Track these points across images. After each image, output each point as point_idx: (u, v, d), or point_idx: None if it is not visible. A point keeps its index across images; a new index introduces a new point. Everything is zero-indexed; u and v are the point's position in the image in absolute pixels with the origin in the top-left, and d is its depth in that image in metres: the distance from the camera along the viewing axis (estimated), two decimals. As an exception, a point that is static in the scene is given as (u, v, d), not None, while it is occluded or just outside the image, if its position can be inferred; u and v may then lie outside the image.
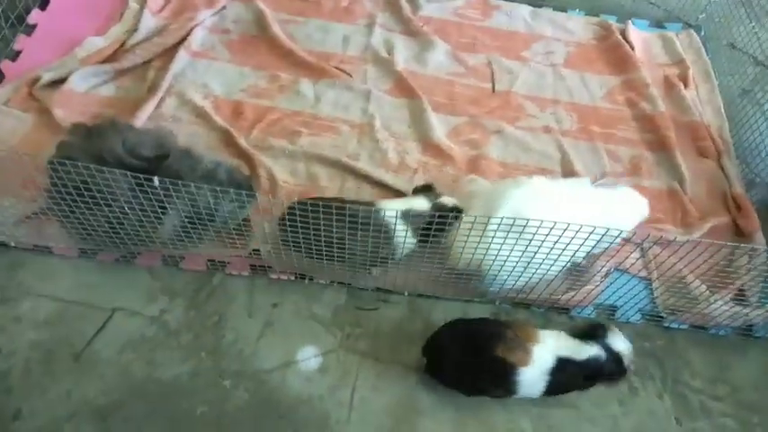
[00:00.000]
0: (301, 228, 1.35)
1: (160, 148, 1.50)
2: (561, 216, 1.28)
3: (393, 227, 1.46)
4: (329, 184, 1.76)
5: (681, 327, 1.61)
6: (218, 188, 1.35)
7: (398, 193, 1.74)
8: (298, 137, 1.85)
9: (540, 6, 2.25)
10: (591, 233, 1.26)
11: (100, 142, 1.45)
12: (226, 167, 1.53)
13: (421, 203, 1.53)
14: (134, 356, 1.45)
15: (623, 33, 2.14)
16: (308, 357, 1.48)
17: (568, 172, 1.83)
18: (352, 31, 2.13)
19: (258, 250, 1.56)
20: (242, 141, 1.80)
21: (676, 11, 2.27)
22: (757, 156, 1.92)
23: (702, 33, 2.22)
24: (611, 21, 2.21)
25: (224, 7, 2.17)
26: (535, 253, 1.33)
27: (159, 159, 1.47)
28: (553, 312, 1.62)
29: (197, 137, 1.83)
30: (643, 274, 1.63)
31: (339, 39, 2.11)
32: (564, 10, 2.26)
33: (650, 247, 1.66)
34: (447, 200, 1.54)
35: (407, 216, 1.48)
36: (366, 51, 2.08)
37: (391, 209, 1.46)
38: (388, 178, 1.76)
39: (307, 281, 1.60)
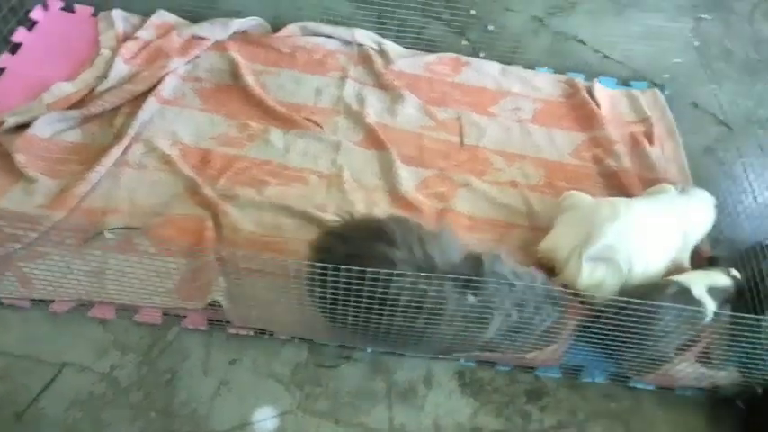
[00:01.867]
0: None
1: (466, 255, 1.49)
2: (653, 244, 1.61)
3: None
4: (295, 236, 1.74)
5: (647, 387, 1.59)
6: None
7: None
8: (265, 186, 1.84)
9: (509, 64, 2.30)
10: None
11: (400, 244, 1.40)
12: (541, 278, 1.51)
13: (721, 278, 1.57)
14: (81, 415, 1.38)
15: (590, 91, 2.19)
16: (265, 418, 1.43)
17: (534, 227, 1.84)
18: (325, 83, 2.15)
19: (216, 302, 1.52)
20: (207, 190, 1.78)
21: (642, 70, 2.34)
22: (720, 213, 1.94)
23: (667, 92, 2.28)
24: (579, 79, 2.27)
25: (198, 56, 2.18)
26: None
27: (473, 265, 1.44)
28: (518, 371, 1.59)
29: (162, 185, 1.81)
30: (609, 332, 1.62)
31: (311, 90, 2.12)
32: (532, 68, 2.31)
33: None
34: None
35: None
36: (338, 103, 2.10)
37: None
38: (355, 230, 1.75)
39: (267, 336, 1.55)
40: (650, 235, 1.65)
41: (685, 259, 1.74)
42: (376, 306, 1.32)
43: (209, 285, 1.57)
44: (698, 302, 1.48)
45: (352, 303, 1.31)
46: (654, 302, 1.34)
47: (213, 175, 1.85)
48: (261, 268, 1.61)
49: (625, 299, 1.33)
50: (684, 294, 1.49)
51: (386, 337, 1.44)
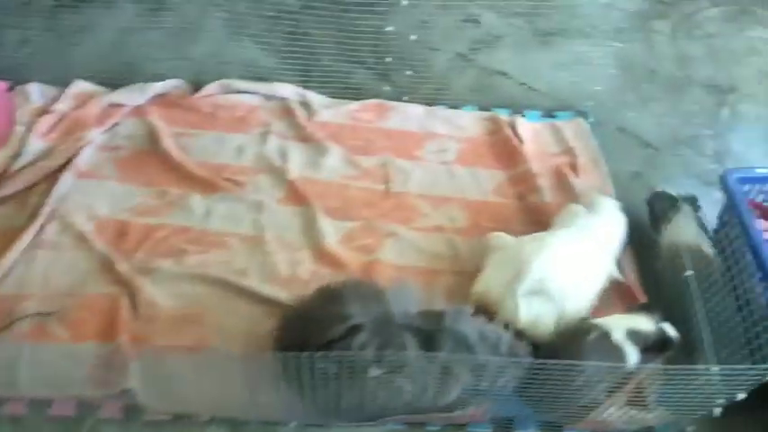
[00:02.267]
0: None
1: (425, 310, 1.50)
2: (582, 270, 1.65)
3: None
4: (215, 305, 1.69)
5: (581, 433, 1.55)
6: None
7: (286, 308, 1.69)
8: (184, 256, 1.80)
9: (434, 104, 2.30)
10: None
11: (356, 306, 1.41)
12: (506, 339, 1.47)
13: (645, 323, 1.52)
14: None
15: (513, 126, 2.19)
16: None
17: (460, 271, 1.81)
18: (247, 140, 2.13)
19: (129, 390, 1.47)
20: (122, 266, 1.74)
21: (566, 99, 2.35)
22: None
23: (591, 120, 2.29)
24: (503, 114, 2.27)
25: (116, 124, 2.15)
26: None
27: (434, 321, 1.44)
28: (450, 428, 1.54)
29: (77, 263, 1.76)
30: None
31: (233, 149, 2.10)
32: (457, 106, 2.31)
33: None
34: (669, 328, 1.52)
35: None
36: (260, 161, 2.07)
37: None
38: (277, 293, 1.71)
39: (186, 419, 1.50)
40: (577, 262, 1.67)
41: (614, 271, 1.76)
42: (342, 376, 1.30)
43: (123, 370, 1.52)
44: (617, 348, 1.45)
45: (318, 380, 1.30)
46: (570, 362, 1.30)
47: (130, 248, 1.81)
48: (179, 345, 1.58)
49: (541, 361, 1.30)
50: (604, 339, 1.47)
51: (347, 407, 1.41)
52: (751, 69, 2.61)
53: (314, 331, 1.34)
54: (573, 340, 1.47)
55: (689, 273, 1.60)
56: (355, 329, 1.36)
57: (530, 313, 1.60)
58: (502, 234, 1.79)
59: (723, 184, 1.69)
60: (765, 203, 1.80)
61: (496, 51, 2.54)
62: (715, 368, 1.31)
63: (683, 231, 1.74)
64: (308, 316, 1.46)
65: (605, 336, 1.47)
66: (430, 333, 1.40)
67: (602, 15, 2.36)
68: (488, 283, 1.69)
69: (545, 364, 1.28)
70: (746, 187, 1.75)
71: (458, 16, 2.65)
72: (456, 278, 1.80)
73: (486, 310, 1.65)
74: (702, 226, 1.77)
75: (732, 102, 2.47)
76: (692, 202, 1.84)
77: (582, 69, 2.39)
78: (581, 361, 1.33)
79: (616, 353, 1.45)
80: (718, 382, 1.30)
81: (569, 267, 1.64)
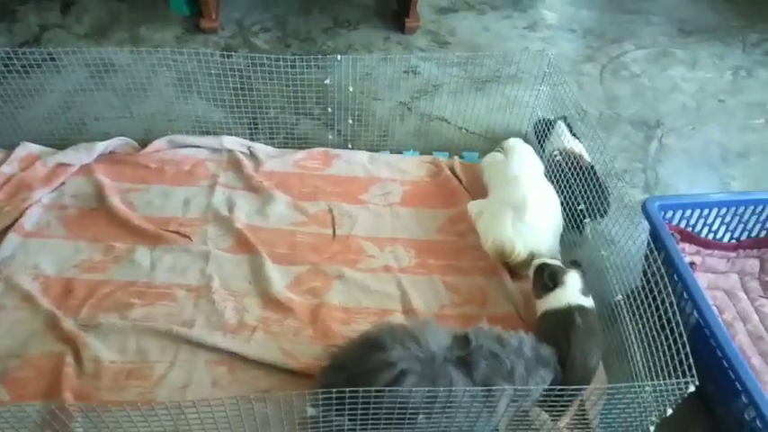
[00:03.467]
0: None
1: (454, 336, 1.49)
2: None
3: None
4: (160, 358, 1.69)
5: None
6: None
7: (234, 356, 1.70)
8: (130, 309, 1.80)
9: (377, 150, 2.39)
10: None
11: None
12: (527, 340, 1.51)
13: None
14: None
15: (452, 168, 2.29)
16: None
17: (408, 309, 1.85)
18: (194, 193, 2.17)
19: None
20: (67, 323, 1.73)
21: (501, 140, 2.45)
22: (589, 268, 2.01)
23: (529, 158, 2.40)
24: (443, 157, 2.37)
25: (63, 183, 2.17)
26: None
27: (462, 345, 1.45)
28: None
29: (21, 324, 1.75)
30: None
31: (180, 202, 2.13)
32: (400, 151, 2.41)
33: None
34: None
35: None
36: (207, 212, 2.11)
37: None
38: (224, 342, 1.72)
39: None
40: (548, 199, 2.06)
41: None
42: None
43: (65, 429, 1.49)
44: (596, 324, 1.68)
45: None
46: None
47: (75, 305, 1.80)
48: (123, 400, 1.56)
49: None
50: (587, 316, 1.67)
51: None
52: (675, 104, 2.80)
53: (362, 381, 1.28)
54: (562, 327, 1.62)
55: (618, 297, 1.68)
56: (403, 374, 1.35)
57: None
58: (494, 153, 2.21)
59: (645, 211, 1.79)
60: (687, 228, 1.91)
61: (436, 99, 2.67)
62: (647, 384, 1.36)
63: (558, 140, 2.19)
64: (352, 366, 1.42)
65: (586, 312, 1.65)
66: (464, 359, 1.42)
67: (532, 62, 2.51)
68: (496, 233, 1.95)
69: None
70: (669, 213, 1.85)
71: (399, 68, 2.79)
72: (406, 317, 1.84)
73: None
74: (575, 135, 2.22)
75: (659, 136, 2.63)
76: (565, 119, 2.26)
77: (515, 112, 2.52)
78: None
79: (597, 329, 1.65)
80: (650, 397, 1.35)
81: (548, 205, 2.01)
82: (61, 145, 2.28)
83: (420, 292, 1.91)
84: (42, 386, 1.62)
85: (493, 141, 2.46)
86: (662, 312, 1.47)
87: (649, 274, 1.63)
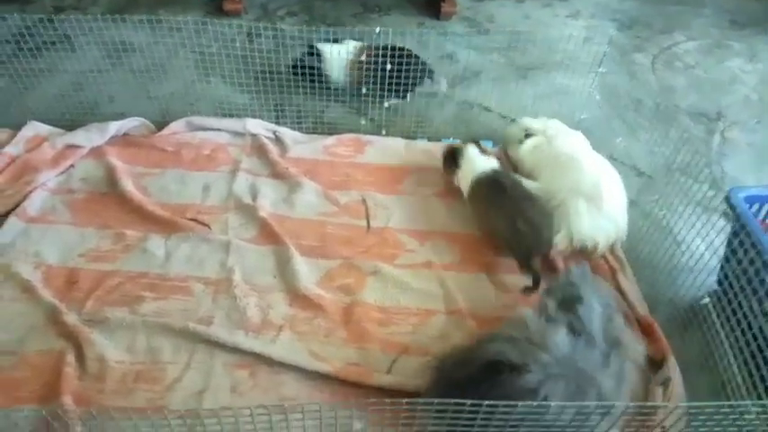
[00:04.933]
0: None
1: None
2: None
3: None
4: (174, 359, 1.48)
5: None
6: None
7: (257, 358, 1.48)
8: (140, 303, 1.60)
9: (413, 139, 2.18)
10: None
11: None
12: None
13: None
14: None
15: (499, 157, 2.06)
16: None
17: (453, 311, 1.63)
18: (214, 178, 1.97)
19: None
20: (69, 317, 1.53)
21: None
22: (654, 269, 1.79)
23: (579, 149, 2.18)
24: (488, 146, 2.15)
25: (72, 166, 1.98)
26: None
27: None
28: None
29: (18, 317, 1.55)
30: (548, 425, 1.38)
31: (198, 188, 1.93)
32: (438, 140, 2.20)
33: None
34: None
35: None
36: (228, 199, 1.91)
37: None
38: (245, 342, 1.50)
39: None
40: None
41: None
42: None
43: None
44: None
45: None
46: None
47: (79, 297, 1.60)
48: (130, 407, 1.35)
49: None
50: None
51: None
52: (736, 97, 2.57)
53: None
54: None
55: (705, 300, 1.45)
56: (546, 399, 1.15)
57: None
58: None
59: (729, 203, 1.57)
60: (775, 224, 1.67)
61: (476, 86, 2.47)
62: (750, 404, 1.13)
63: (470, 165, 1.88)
64: (478, 393, 1.13)
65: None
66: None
67: (580, 50, 2.30)
68: (573, 229, 1.72)
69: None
70: (755, 207, 1.62)
71: (435, 53, 2.59)
72: (447, 319, 1.62)
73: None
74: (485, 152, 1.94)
75: (721, 129, 2.39)
76: (475, 141, 1.98)
77: (564, 99, 2.31)
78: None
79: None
80: (757, 419, 1.12)
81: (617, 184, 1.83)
82: (71, 126, 2.10)
83: (466, 291, 1.68)
84: (38, 388, 1.41)
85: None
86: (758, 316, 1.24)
87: (737, 273, 1.41)
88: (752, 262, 1.42)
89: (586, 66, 2.23)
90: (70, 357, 1.45)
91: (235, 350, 1.50)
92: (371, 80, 2.13)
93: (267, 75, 2.11)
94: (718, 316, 1.41)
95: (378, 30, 2.02)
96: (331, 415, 0.98)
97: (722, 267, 1.61)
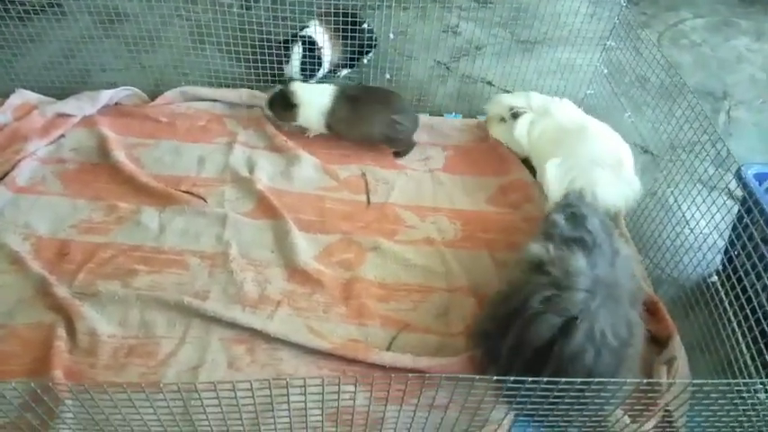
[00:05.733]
0: None
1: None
2: None
3: None
4: (168, 333, 1.44)
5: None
6: None
7: (255, 333, 1.45)
8: (133, 277, 1.55)
9: (415, 112, 2.12)
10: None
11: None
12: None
13: None
14: None
15: (503, 132, 2.02)
16: None
17: (454, 288, 1.60)
18: (210, 150, 1.91)
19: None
20: (60, 290, 1.48)
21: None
22: (659, 249, 1.75)
23: (585, 126, 2.14)
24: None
25: (62, 135, 1.92)
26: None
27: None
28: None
29: (7, 290, 1.50)
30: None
31: (193, 160, 1.88)
32: (440, 114, 2.14)
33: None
34: None
35: None
36: (224, 171, 1.85)
37: None
38: (242, 317, 1.46)
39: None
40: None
41: None
42: None
43: (53, 412, 1.24)
44: None
45: None
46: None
47: (71, 270, 1.55)
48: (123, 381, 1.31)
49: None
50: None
51: None
52: (742, 76, 2.52)
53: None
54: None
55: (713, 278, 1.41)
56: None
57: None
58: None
59: (739, 179, 1.53)
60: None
61: (479, 60, 2.40)
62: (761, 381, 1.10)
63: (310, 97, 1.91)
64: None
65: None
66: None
67: (585, 25, 2.24)
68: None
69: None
70: (765, 185, 1.58)
71: (438, 26, 2.52)
72: (448, 297, 1.58)
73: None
74: None
75: (727, 108, 2.35)
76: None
77: (569, 75, 2.26)
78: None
79: None
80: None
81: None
82: (62, 95, 2.03)
83: (467, 268, 1.65)
84: (28, 361, 1.37)
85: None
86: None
87: (748, 251, 1.37)
88: (765, 239, 1.39)
89: (593, 41, 2.17)
90: (60, 331, 1.41)
91: (232, 325, 1.46)
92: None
93: (264, 45, 2.04)
94: (726, 294, 1.38)
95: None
96: (333, 390, 0.95)
97: (730, 246, 1.58)
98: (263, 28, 2.06)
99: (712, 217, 1.58)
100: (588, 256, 1.28)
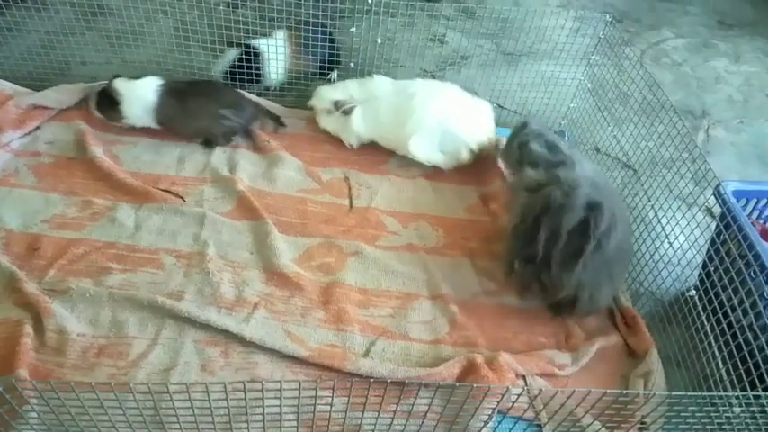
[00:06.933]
0: None
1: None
2: None
3: None
4: (140, 334, 1.40)
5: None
6: None
7: (230, 336, 1.41)
8: (106, 275, 1.51)
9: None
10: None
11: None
12: None
13: None
14: None
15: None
16: None
17: (436, 295, 1.58)
18: (190, 150, 1.88)
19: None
20: (29, 285, 1.43)
21: (537, 117, 2.20)
22: (638, 262, 1.77)
23: (567, 138, 2.16)
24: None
25: (38, 128, 1.87)
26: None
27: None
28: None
29: (-26, 283, 1.45)
30: (529, 415, 1.34)
31: (173, 159, 1.85)
32: (425, 121, 2.13)
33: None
34: None
35: None
36: (204, 170, 1.82)
37: None
38: (218, 319, 1.43)
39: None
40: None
41: None
42: None
43: (16, 413, 1.19)
44: None
45: None
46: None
47: (41, 265, 1.51)
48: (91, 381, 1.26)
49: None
50: None
51: None
52: (720, 96, 2.57)
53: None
54: None
55: (692, 292, 1.42)
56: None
57: None
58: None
59: (718, 197, 1.55)
60: (763, 223, 1.66)
61: (464, 71, 2.42)
62: (734, 395, 1.11)
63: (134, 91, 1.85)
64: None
65: None
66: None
67: (569, 40, 2.27)
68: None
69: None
70: (743, 202, 1.61)
71: (425, 35, 2.53)
72: (433, 303, 1.57)
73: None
74: None
75: (705, 127, 2.40)
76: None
77: (552, 88, 2.28)
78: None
79: None
80: (742, 413, 1.10)
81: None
82: (39, 87, 1.98)
83: (449, 276, 1.64)
84: (-10, 359, 1.32)
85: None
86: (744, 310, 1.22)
87: (726, 266, 1.39)
88: (742, 255, 1.40)
89: (577, 56, 2.20)
90: (28, 328, 1.37)
91: (206, 327, 1.43)
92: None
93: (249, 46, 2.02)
94: (704, 309, 1.39)
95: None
96: (310, 394, 0.92)
97: (708, 261, 1.59)
98: (249, 27, 2.04)
99: (692, 232, 1.59)
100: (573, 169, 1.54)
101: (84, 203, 1.67)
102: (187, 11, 2.20)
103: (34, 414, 1.18)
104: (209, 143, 1.90)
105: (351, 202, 1.81)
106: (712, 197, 1.62)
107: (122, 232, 1.61)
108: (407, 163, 1.95)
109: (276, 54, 2.00)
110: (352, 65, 2.10)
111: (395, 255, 1.68)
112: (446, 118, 1.84)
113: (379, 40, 1.99)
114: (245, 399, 0.90)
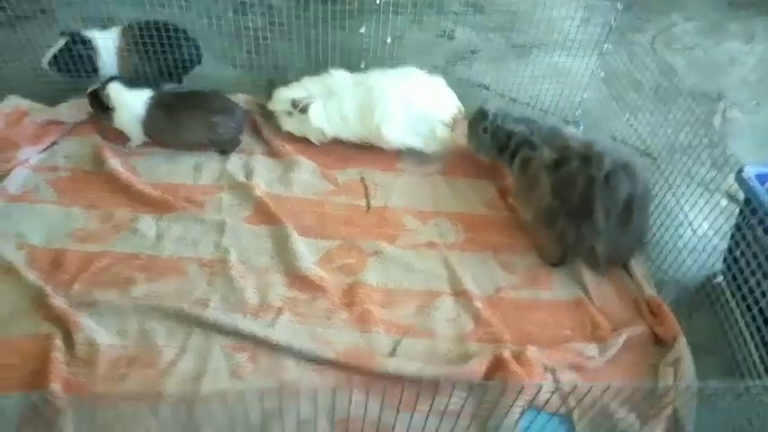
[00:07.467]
0: None
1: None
2: None
3: None
4: (168, 342, 1.41)
5: (615, 472, 1.30)
6: None
7: (257, 341, 1.42)
8: (131, 285, 1.52)
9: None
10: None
11: None
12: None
13: None
14: None
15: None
16: None
17: (459, 291, 1.58)
18: (205, 158, 1.89)
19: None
20: (56, 300, 1.45)
21: (551, 109, 2.20)
22: (662, 251, 1.75)
23: (582, 128, 2.14)
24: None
25: (55, 143, 1.89)
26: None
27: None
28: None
29: (2, 300, 1.46)
30: (562, 410, 1.34)
31: (189, 168, 1.85)
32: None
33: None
34: None
35: None
36: (221, 178, 1.83)
37: None
38: (244, 324, 1.44)
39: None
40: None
41: None
42: None
43: (52, 425, 1.21)
44: None
45: None
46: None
47: (66, 279, 1.52)
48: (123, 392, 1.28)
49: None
50: None
51: None
52: (735, 78, 2.54)
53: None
54: None
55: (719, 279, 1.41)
56: None
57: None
58: None
59: (740, 181, 1.53)
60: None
61: (474, 65, 2.40)
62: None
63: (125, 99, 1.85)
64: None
65: None
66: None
67: (579, 30, 2.25)
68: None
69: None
70: (766, 185, 1.58)
71: (433, 32, 2.52)
72: (456, 300, 1.57)
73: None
74: None
75: (722, 110, 2.37)
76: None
77: (564, 79, 2.26)
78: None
79: None
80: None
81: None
82: (54, 101, 2.00)
83: (471, 271, 1.63)
84: (26, 374, 1.33)
85: (542, 111, 2.21)
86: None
87: (754, 251, 1.37)
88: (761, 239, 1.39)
89: (588, 45, 2.18)
90: (58, 342, 1.38)
91: (233, 333, 1.43)
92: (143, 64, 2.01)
93: (259, 51, 2.03)
94: (732, 295, 1.37)
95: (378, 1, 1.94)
96: (344, 398, 0.92)
97: (734, 246, 1.57)
98: (259, 33, 2.04)
99: (716, 218, 1.57)
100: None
101: (105, 216, 1.68)
102: (196, 19, 2.20)
103: (71, 427, 1.19)
104: (223, 150, 1.90)
105: (368, 203, 1.81)
106: (734, 182, 1.60)
107: (145, 243, 1.62)
108: (421, 160, 1.95)
109: (105, 47, 1.96)
110: (362, 65, 2.10)
111: (415, 253, 1.68)
112: (410, 100, 1.86)
113: (389, 40, 1.98)
114: (279, 404, 0.90)
